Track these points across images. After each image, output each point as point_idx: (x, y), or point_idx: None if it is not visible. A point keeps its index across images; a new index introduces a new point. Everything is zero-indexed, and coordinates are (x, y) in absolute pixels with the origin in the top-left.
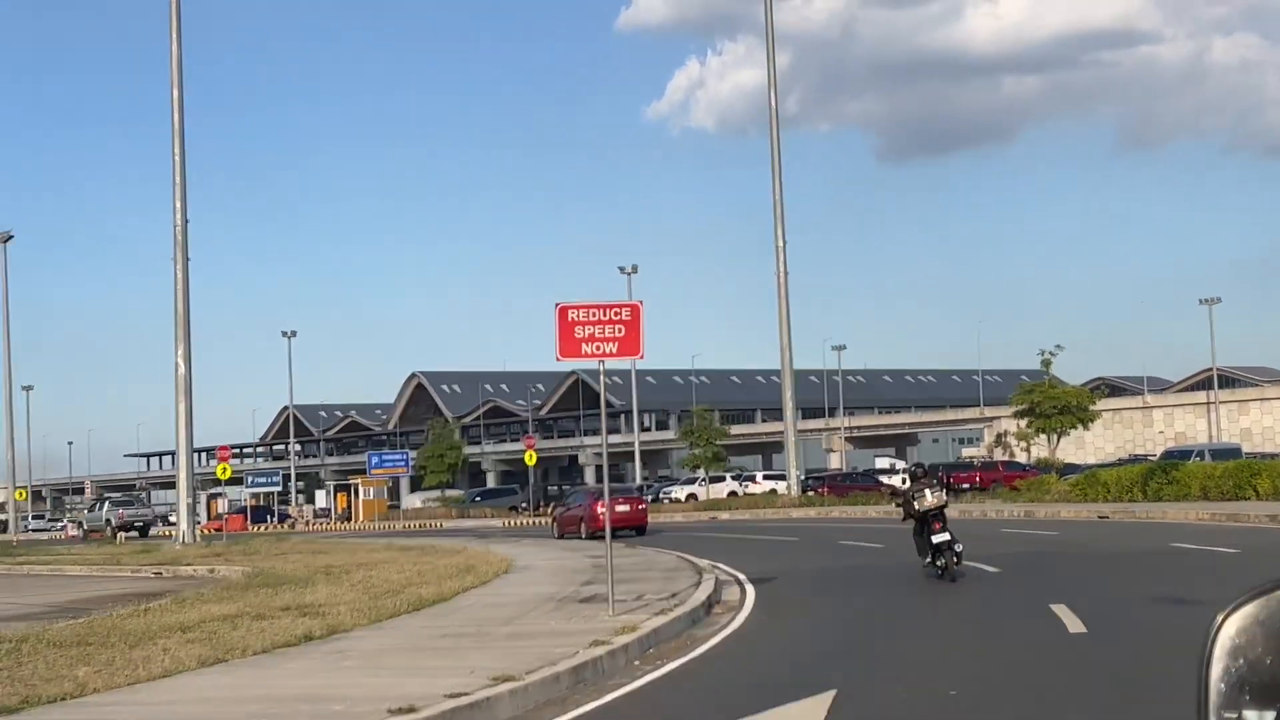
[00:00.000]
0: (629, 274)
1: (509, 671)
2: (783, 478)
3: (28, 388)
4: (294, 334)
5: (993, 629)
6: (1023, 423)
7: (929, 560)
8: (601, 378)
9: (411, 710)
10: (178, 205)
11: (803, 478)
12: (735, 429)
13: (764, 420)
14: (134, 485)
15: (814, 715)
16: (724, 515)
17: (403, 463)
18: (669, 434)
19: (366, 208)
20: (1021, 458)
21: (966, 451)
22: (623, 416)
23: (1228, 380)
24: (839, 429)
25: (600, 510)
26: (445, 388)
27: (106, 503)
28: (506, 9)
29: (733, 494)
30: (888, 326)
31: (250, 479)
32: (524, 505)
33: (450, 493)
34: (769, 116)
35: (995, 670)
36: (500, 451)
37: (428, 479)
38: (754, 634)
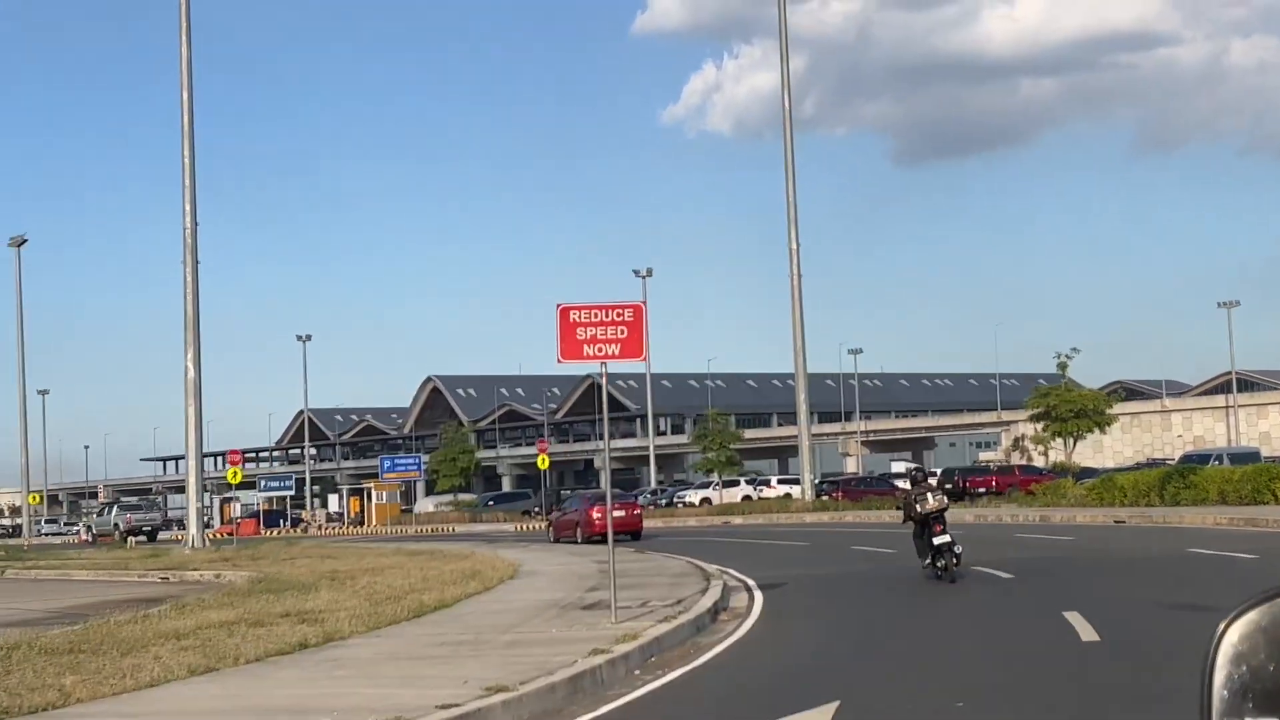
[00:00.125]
0: (643, 277)
1: (504, 681)
2: (797, 482)
3: (43, 391)
4: (309, 338)
5: (1003, 637)
6: (1039, 426)
7: (929, 562)
8: (604, 380)
9: None
10: (187, 208)
11: (817, 482)
12: (749, 433)
13: (779, 424)
14: (150, 489)
15: None
16: (737, 520)
17: (415, 467)
18: (683, 438)
19: (382, 211)
20: (1039, 462)
21: (983, 455)
22: (638, 420)
23: (1247, 384)
24: (855, 433)
25: (596, 515)
26: (461, 392)
27: (115, 507)
28: (522, 14)
29: (746, 498)
30: (904, 330)
31: (263, 483)
32: (537, 510)
33: (463, 497)
34: (783, 119)
35: (1004, 680)
36: (515, 455)
37: (440, 483)
38: (759, 641)
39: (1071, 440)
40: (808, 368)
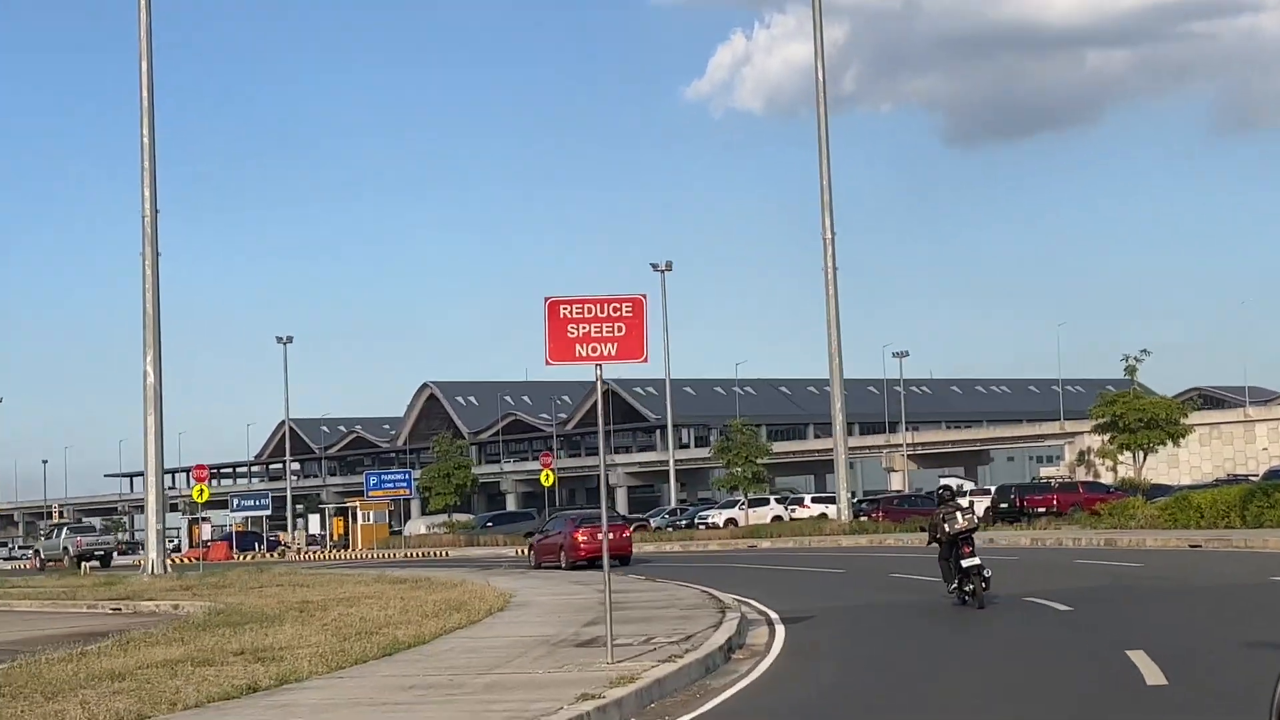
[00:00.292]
0: (662, 271)
1: None
2: (834, 500)
3: None
4: (290, 340)
5: (1058, 679)
6: (1104, 439)
7: (955, 586)
8: (598, 385)
9: None
10: (146, 194)
11: (856, 501)
12: (782, 446)
13: (816, 436)
14: (115, 508)
15: None
16: (764, 543)
17: (405, 483)
18: (708, 451)
19: (373, 200)
20: (1107, 478)
21: (1045, 471)
22: (657, 432)
23: None
24: (900, 446)
25: (581, 538)
26: (461, 399)
27: (65, 529)
28: None
29: (777, 519)
30: (957, 331)
31: (236, 502)
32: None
33: (459, 517)
34: (816, 91)
35: None
36: (521, 471)
37: (433, 502)
38: (777, 686)
39: (1141, 454)
40: (846, 373)
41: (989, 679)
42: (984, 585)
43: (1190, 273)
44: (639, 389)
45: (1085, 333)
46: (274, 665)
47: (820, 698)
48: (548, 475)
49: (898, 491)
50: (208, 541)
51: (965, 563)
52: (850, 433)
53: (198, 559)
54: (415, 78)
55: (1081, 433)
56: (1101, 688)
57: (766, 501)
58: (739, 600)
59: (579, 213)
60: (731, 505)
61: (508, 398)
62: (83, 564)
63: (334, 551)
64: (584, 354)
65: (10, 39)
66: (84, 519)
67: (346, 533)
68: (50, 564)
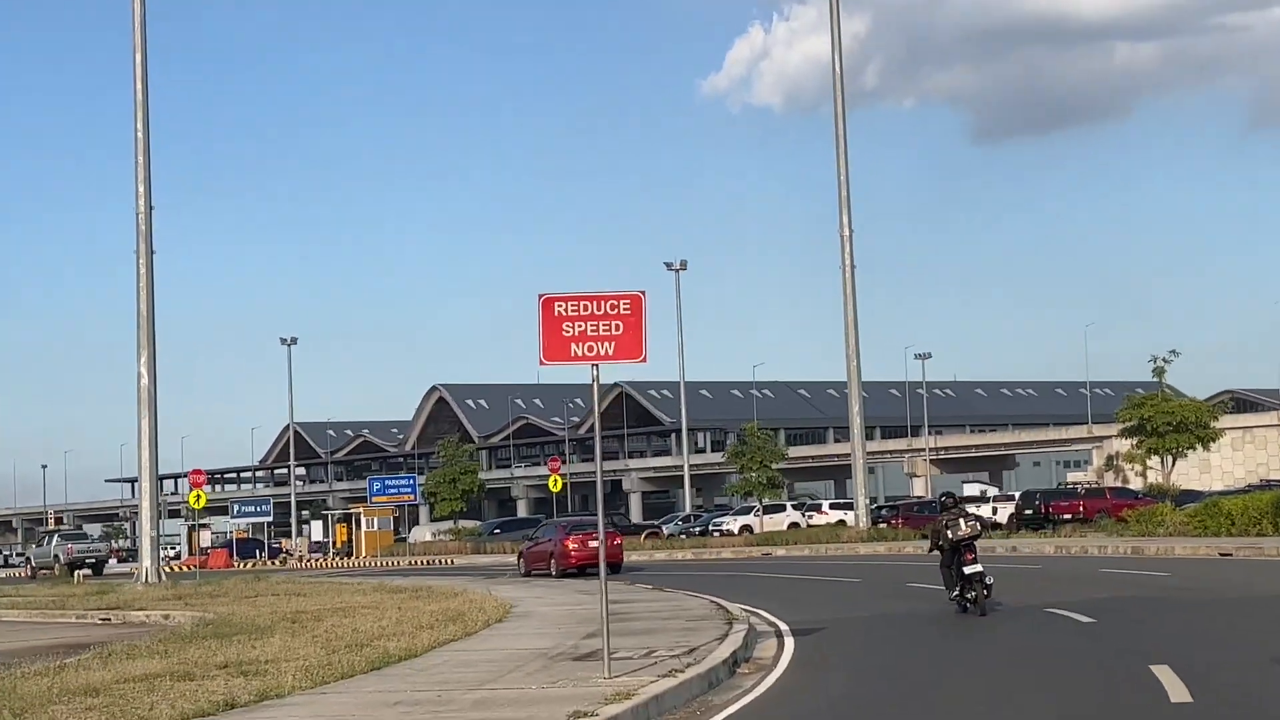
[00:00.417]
0: (677, 270)
1: None
2: (853, 506)
3: None
4: (294, 341)
5: (1078, 696)
6: (1131, 442)
7: (957, 593)
8: (595, 386)
9: None
10: (141, 190)
11: (875, 507)
12: (800, 450)
13: (836, 440)
14: (116, 514)
15: None
16: (780, 551)
17: (409, 488)
18: (724, 456)
19: (380, 198)
20: (1136, 483)
21: (1072, 476)
22: (673, 436)
23: None
24: (923, 450)
25: (572, 546)
26: (470, 403)
27: (56, 537)
28: None
29: (794, 526)
30: (981, 332)
31: (236, 508)
32: None
33: (465, 524)
34: (833, 83)
35: None
36: (532, 476)
37: (438, 507)
38: (782, 702)
39: (1170, 458)
40: (867, 375)
41: (1006, 696)
42: (986, 592)
43: (1223, 272)
44: (654, 392)
45: (1114, 334)
46: (256, 680)
47: (830, 714)
48: (556, 481)
49: (918, 497)
50: (207, 549)
51: (967, 570)
52: (871, 437)
53: (196, 567)
54: (425, 73)
55: (1109, 437)
56: (1122, 706)
57: (783, 508)
58: (748, 611)
59: (592, 211)
60: (747, 512)
61: (519, 401)
62: (76, 572)
63: (337, 559)
64: (580, 354)
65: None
66: (83, 525)
67: (350, 540)
68: (42, 572)
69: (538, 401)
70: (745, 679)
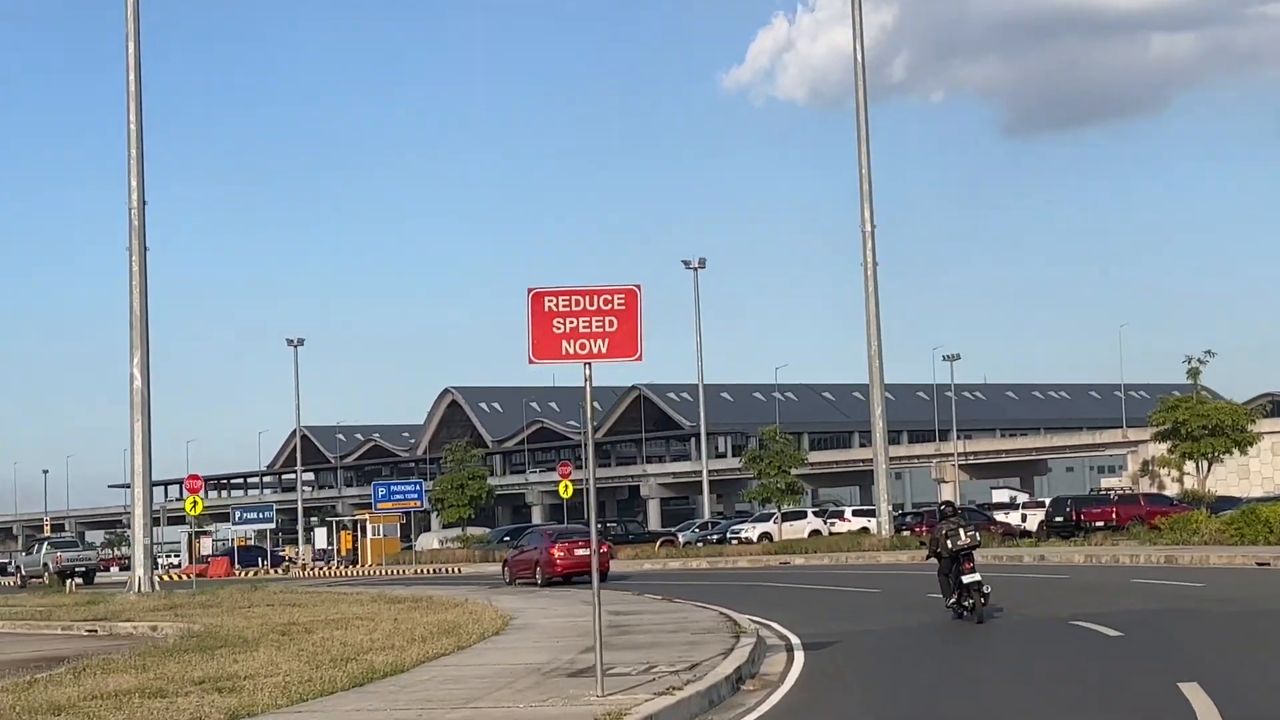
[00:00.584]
0: (695, 269)
1: None
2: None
3: None
4: (301, 342)
5: (1101, 716)
6: (1165, 447)
7: (955, 600)
8: (588, 385)
9: None
10: (133, 184)
11: (900, 514)
12: (823, 455)
13: (861, 445)
14: (119, 520)
15: None
16: (798, 560)
17: (415, 494)
18: (740, 461)
19: (392, 195)
20: (1172, 489)
21: (1106, 482)
22: (692, 440)
23: None
24: (951, 455)
25: (558, 554)
26: (484, 406)
27: (45, 545)
28: None
29: (815, 533)
30: (1012, 333)
31: (238, 514)
32: None
33: (473, 531)
34: (855, 70)
35: None
36: (547, 482)
37: (445, 514)
38: None
39: (1205, 463)
40: (894, 377)
41: (1025, 712)
42: (983, 601)
43: (1264, 270)
44: (673, 394)
45: (1150, 334)
46: (231, 697)
47: None
48: (566, 486)
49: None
50: (208, 557)
51: (966, 579)
52: (897, 441)
53: (197, 575)
54: (440, 69)
55: (1144, 441)
56: None
57: (804, 515)
58: (758, 623)
59: (609, 208)
60: (766, 519)
61: (534, 404)
62: (68, 581)
63: (341, 568)
64: (571, 351)
65: None
66: (85, 532)
67: (356, 548)
68: (32, 581)
69: (553, 405)
70: (749, 696)
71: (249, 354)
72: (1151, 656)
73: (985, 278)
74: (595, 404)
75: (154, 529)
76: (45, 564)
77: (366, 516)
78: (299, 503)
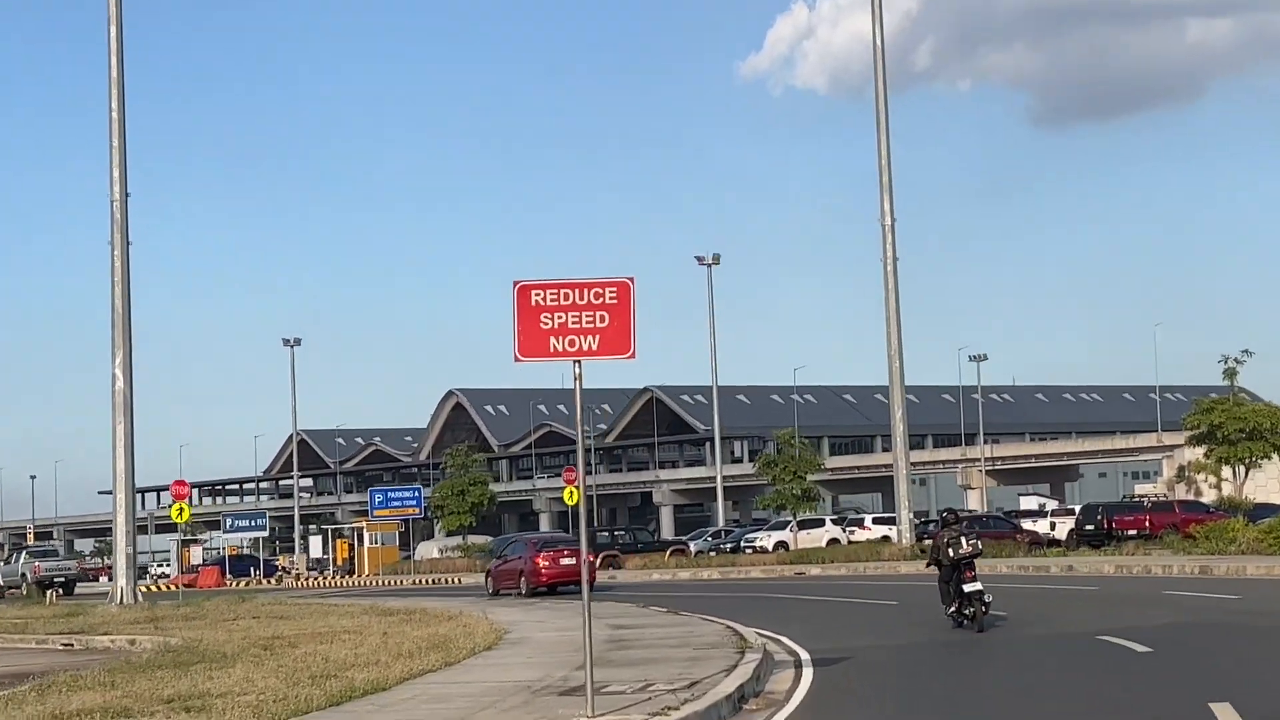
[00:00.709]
0: (709, 265)
1: None
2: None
3: None
4: (297, 342)
5: None
6: (1200, 451)
7: (955, 609)
8: (577, 384)
9: None
10: (116, 175)
11: (922, 521)
12: (843, 460)
13: (884, 449)
14: (109, 528)
15: None
16: (814, 570)
17: (414, 501)
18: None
19: (393, 187)
20: (1209, 496)
21: (1140, 488)
22: (707, 445)
23: None
24: (978, 460)
25: (543, 563)
26: (490, 409)
27: (24, 554)
28: None
29: (834, 542)
30: (1042, 332)
31: (230, 522)
32: None
33: (474, 539)
34: (874, 54)
35: None
36: (555, 488)
37: (445, 521)
38: None
39: (1242, 468)
40: (919, 378)
41: None
42: (984, 610)
43: None
44: (686, 396)
45: (1187, 334)
46: (200, 717)
47: None
48: (571, 493)
49: (970, 511)
50: (198, 566)
51: (967, 587)
52: (921, 446)
53: (185, 586)
54: (442, 56)
55: (1180, 446)
56: None
57: (821, 522)
58: (767, 637)
59: (620, 202)
60: (782, 527)
61: (541, 407)
62: (48, 592)
63: (338, 577)
64: (559, 348)
65: None
66: (75, 540)
67: (352, 557)
68: (11, 591)
69: (562, 407)
70: (752, 717)
71: (245, 354)
72: (1182, 674)
73: (1014, 274)
74: (606, 406)
75: (143, 537)
76: (23, 574)
77: (364, 524)
78: (295, 510)
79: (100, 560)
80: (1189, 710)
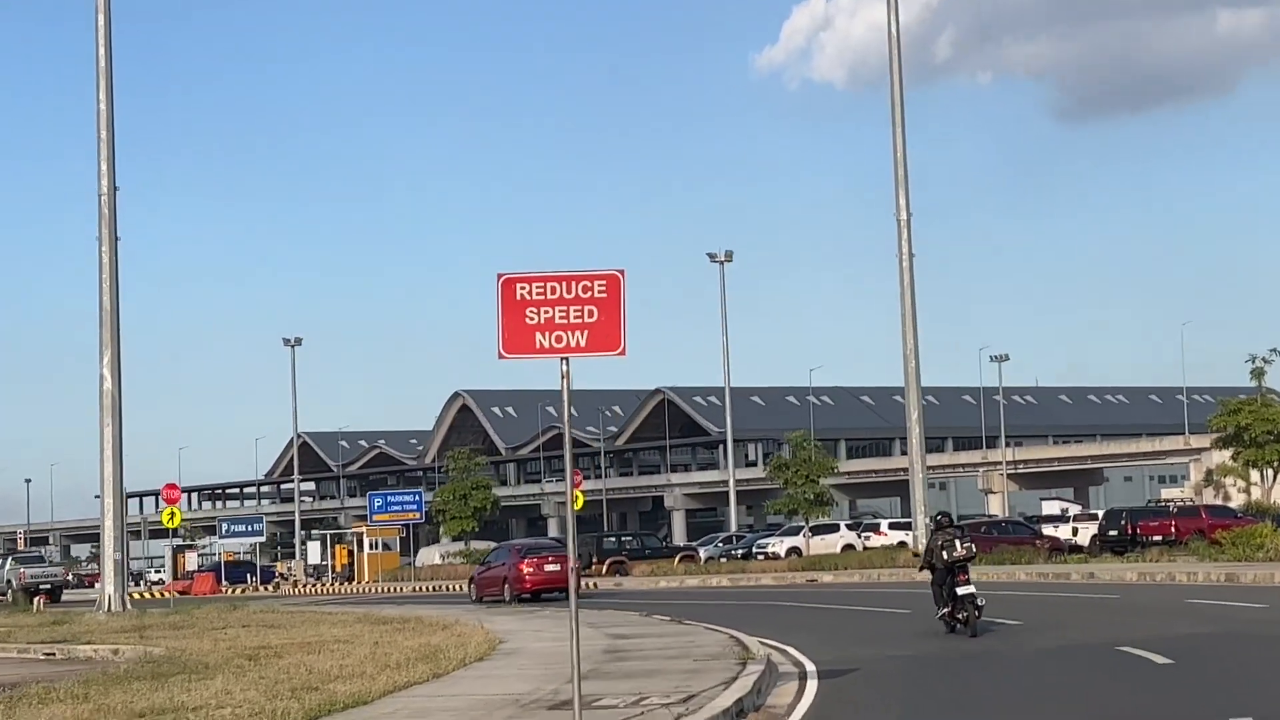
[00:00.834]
0: (721, 262)
1: None
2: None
3: None
4: (298, 342)
5: None
6: (1227, 454)
7: (947, 612)
8: (565, 382)
9: None
10: (104, 168)
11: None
12: (860, 464)
13: (903, 452)
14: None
15: None
16: (827, 577)
17: (414, 505)
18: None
19: (398, 183)
20: (1238, 500)
21: (1166, 492)
22: (720, 447)
23: None
24: (999, 463)
25: (527, 570)
26: (497, 411)
27: (9, 560)
28: None
29: (849, 548)
30: (1066, 332)
31: (225, 527)
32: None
33: (478, 545)
34: (888, 43)
35: None
36: (563, 492)
37: (448, 526)
38: None
39: (1271, 471)
40: (938, 379)
41: None
42: (977, 614)
43: None
44: (699, 398)
45: (1216, 333)
46: None
47: None
48: (577, 497)
49: (989, 516)
50: (192, 572)
51: (960, 590)
52: (941, 448)
53: (179, 593)
54: (449, 48)
55: (1208, 449)
56: None
57: (836, 528)
58: (772, 647)
59: (630, 198)
60: (795, 532)
61: (550, 408)
62: (35, 599)
63: (336, 584)
64: (546, 344)
65: None
66: (71, 545)
67: (352, 563)
68: None
69: (571, 409)
70: None
71: (246, 354)
72: (1203, 688)
73: (1037, 272)
74: (616, 408)
75: (141, 542)
76: (9, 581)
77: (364, 529)
78: (296, 514)
79: (95, 566)
80: None
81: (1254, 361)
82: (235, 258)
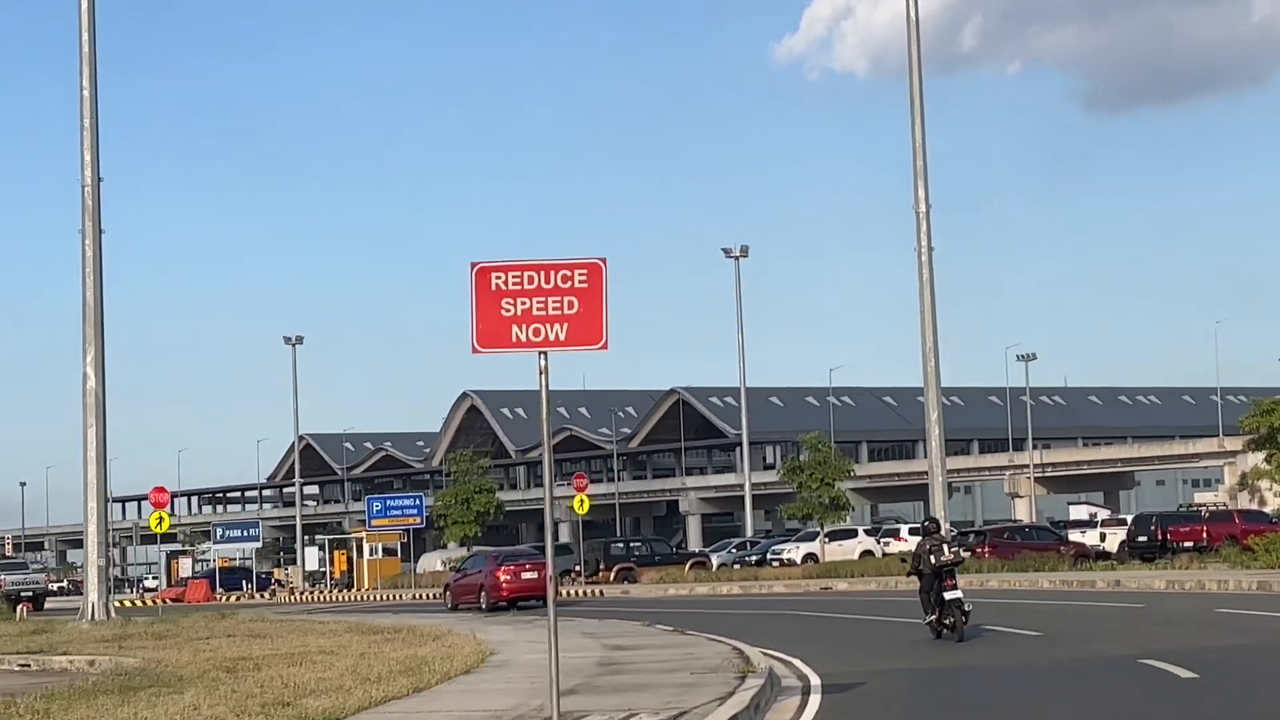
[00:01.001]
0: (736, 258)
1: None
2: None
3: None
4: (299, 340)
5: None
6: (1261, 456)
7: (934, 618)
8: (544, 379)
9: None
10: (87, 158)
11: (961, 532)
12: (882, 467)
13: (926, 455)
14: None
15: None
16: (841, 584)
17: (415, 510)
18: (774, 474)
19: (399, 171)
20: (1275, 504)
21: (1200, 497)
22: (737, 450)
23: None
24: (1027, 466)
25: (504, 577)
26: (506, 412)
27: None
28: None
29: (867, 554)
30: (1096, 330)
31: (220, 532)
32: (576, 568)
33: (480, 550)
34: (906, 28)
35: None
36: (572, 496)
37: (449, 531)
38: None
39: None
40: (962, 379)
41: None
42: (964, 619)
43: None
44: (715, 399)
45: (1251, 332)
46: None
47: None
48: (582, 501)
49: (1013, 521)
50: (186, 579)
51: (947, 595)
52: (966, 450)
53: (171, 600)
54: (459, 41)
55: (1242, 451)
56: None
57: (854, 533)
58: (777, 659)
59: (644, 191)
60: (811, 538)
61: (562, 410)
62: (18, 607)
63: (334, 592)
64: (523, 338)
65: None
66: (67, 550)
67: (351, 569)
68: None
69: (583, 410)
70: None
71: (247, 354)
72: (1228, 704)
73: (1066, 268)
74: (630, 409)
75: (136, 548)
76: None
77: (363, 535)
78: (298, 518)
79: (47, 573)
80: None
81: None
82: (235, 253)
